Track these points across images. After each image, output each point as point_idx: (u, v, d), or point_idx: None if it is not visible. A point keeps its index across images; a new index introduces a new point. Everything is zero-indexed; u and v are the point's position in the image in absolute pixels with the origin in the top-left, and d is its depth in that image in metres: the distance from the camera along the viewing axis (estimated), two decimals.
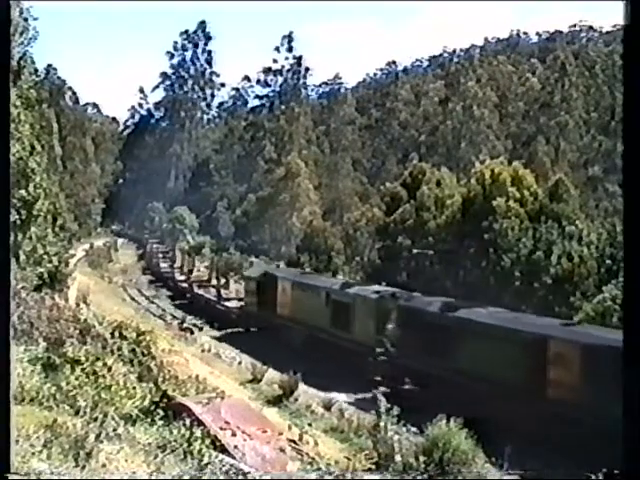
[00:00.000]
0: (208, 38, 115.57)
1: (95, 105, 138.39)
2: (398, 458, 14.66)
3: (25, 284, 17.20)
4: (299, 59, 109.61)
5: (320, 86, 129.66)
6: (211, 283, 58.58)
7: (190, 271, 63.83)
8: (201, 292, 54.46)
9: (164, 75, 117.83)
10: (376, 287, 33.37)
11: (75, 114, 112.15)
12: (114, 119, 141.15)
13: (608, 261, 36.77)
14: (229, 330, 41.03)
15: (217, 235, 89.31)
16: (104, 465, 7.46)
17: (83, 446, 7.56)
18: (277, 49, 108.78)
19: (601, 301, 31.58)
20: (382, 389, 26.18)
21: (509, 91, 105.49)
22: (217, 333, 40.58)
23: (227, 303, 47.79)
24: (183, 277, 63.12)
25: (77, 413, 9.01)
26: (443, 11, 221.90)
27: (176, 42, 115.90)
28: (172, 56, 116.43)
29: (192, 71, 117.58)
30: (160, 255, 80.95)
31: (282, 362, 27.12)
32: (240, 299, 46.53)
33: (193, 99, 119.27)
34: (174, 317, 44.16)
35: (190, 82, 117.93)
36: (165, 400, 10.84)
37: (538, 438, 20.47)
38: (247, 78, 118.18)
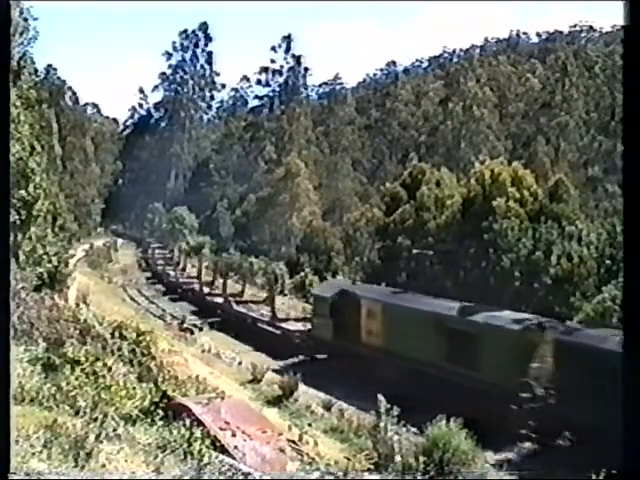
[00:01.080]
0: (209, 39, 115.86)
1: (95, 105, 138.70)
2: (398, 458, 14.67)
3: (25, 284, 17.20)
4: (298, 59, 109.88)
5: (320, 86, 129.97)
6: (244, 297, 48.44)
7: (212, 282, 53.19)
8: (242, 309, 43.53)
9: (163, 75, 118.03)
10: (509, 313, 26.52)
11: (75, 114, 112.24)
12: (114, 119, 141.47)
13: (608, 261, 36.78)
14: (291, 360, 32.56)
15: (217, 235, 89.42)
16: (104, 465, 7.47)
17: (83, 446, 7.56)
18: (274, 49, 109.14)
19: (601, 301, 31.58)
20: (530, 445, 21.77)
21: (509, 91, 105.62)
22: (274, 362, 31.74)
23: (284, 325, 37.81)
24: (207, 289, 51.94)
25: (77, 413, 9.02)
26: (443, 11, 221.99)
27: (175, 42, 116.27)
28: (170, 56, 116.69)
29: (192, 71, 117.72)
30: (163, 262, 72.07)
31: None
32: (298, 319, 38.62)
33: (193, 99, 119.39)
34: (173, 317, 43.43)
35: (190, 82, 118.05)
36: (165, 400, 10.85)
37: None
38: (246, 78, 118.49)
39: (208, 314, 44.35)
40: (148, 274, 69.15)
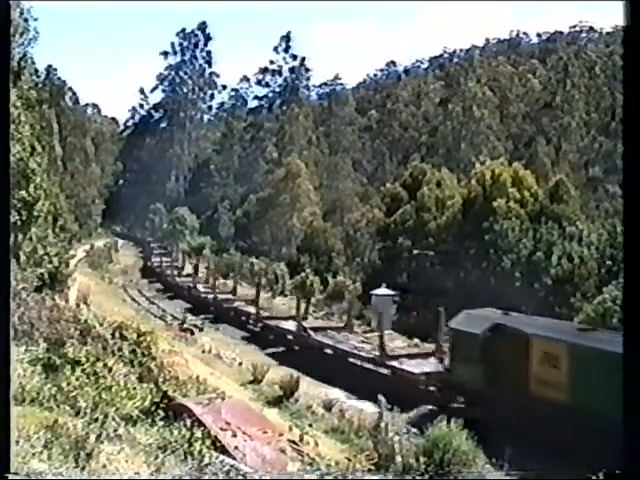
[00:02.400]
0: (208, 39, 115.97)
1: (95, 106, 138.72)
2: (398, 459, 14.66)
3: (25, 285, 17.20)
4: (302, 60, 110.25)
5: (320, 87, 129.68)
6: (310, 318, 38.58)
7: (257, 298, 42.23)
8: (325, 340, 33.43)
9: (162, 76, 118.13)
10: None
11: (75, 115, 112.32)
12: (114, 120, 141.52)
13: (608, 262, 36.82)
14: (415, 411, 23.80)
15: (217, 236, 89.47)
16: (104, 466, 7.47)
17: (84, 447, 7.57)
18: (276, 49, 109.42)
19: (601, 302, 31.60)
20: None
21: (510, 92, 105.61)
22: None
23: (396, 363, 28.21)
24: (255, 309, 41.15)
25: (78, 414, 9.02)
26: (443, 11, 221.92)
27: (174, 42, 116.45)
28: (169, 56, 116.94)
29: (192, 71, 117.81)
30: (176, 271, 62.68)
31: None
32: (412, 356, 29.77)
33: (193, 100, 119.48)
34: (174, 317, 43.07)
35: (190, 83, 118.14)
36: (166, 401, 10.85)
37: None
38: (246, 79, 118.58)
39: (265, 341, 35.67)
40: (157, 284, 60.79)
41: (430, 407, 24.67)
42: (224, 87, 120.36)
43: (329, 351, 32.00)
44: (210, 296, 47.87)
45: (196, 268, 57.78)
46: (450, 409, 23.48)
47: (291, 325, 36.52)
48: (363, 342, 32.44)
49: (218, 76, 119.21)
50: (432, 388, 26.28)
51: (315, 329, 35.32)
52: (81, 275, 44.12)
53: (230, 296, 47.16)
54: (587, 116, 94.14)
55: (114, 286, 56.72)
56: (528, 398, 22.96)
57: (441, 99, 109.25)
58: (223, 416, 10.35)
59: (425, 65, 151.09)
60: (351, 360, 30.25)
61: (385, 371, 28.37)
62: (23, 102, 21.72)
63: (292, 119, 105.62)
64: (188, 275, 59.03)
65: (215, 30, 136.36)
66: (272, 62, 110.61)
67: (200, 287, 52.10)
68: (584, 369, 21.71)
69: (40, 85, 35.06)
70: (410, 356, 29.61)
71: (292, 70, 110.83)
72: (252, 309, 41.77)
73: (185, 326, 37.79)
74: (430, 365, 27.58)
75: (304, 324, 35.54)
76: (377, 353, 29.43)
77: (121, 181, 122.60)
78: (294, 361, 30.61)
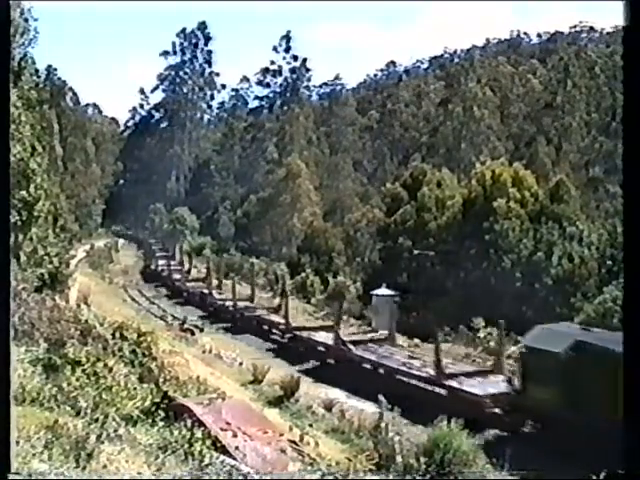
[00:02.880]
0: (208, 39, 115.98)
1: (96, 106, 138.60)
2: (399, 459, 14.66)
3: (26, 285, 17.20)
4: (303, 61, 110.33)
5: (321, 87, 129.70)
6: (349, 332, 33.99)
7: (279, 307, 39.42)
8: (367, 355, 29.69)
9: (162, 76, 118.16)
10: None
11: (76, 115, 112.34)
12: (114, 120, 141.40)
13: (609, 262, 36.84)
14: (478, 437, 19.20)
15: (218, 236, 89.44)
16: (105, 466, 7.47)
17: (84, 447, 7.57)
18: (275, 49, 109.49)
19: (602, 302, 31.62)
20: None
21: (510, 92, 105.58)
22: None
23: (454, 383, 24.94)
24: (276, 317, 38.30)
25: (78, 414, 9.03)
26: (443, 11, 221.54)
27: (174, 42, 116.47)
28: (169, 56, 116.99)
29: (192, 71, 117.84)
30: (180, 275, 58.72)
31: None
32: (470, 374, 26.13)
33: (193, 100, 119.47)
34: (175, 318, 42.84)
35: (190, 83, 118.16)
36: (166, 401, 10.85)
37: None
38: (247, 79, 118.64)
39: (294, 354, 31.91)
40: (163, 289, 57.57)
41: (498, 432, 22.00)
42: (224, 87, 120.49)
43: (368, 366, 28.66)
44: (228, 303, 43.84)
45: (208, 272, 53.66)
46: (521, 434, 21.96)
47: (323, 336, 32.90)
48: (411, 357, 29.37)
49: (218, 76, 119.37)
50: (498, 411, 23.56)
51: (354, 342, 31.19)
52: (81, 275, 44.08)
53: (248, 303, 43.43)
54: (588, 116, 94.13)
55: (114, 286, 56.67)
56: (619, 424, 19.10)
57: (441, 99, 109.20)
58: (223, 416, 10.36)
59: (425, 65, 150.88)
60: (400, 378, 26.94)
61: (441, 391, 25.32)
62: (24, 102, 21.72)
63: (292, 119, 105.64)
64: (197, 280, 55.74)
65: (215, 30, 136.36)
66: (272, 62, 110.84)
67: (215, 293, 48.38)
68: None
69: (40, 85, 35.01)
70: (468, 374, 26.29)
71: (292, 70, 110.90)
72: (275, 317, 38.81)
73: (185, 326, 37.78)
74: (494, 385, 24.84)
75: (343, 337, 31.32)
76: (430, 371, 26.40)
77: (121, 181, 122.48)
78: (333, 379, 27.53)
